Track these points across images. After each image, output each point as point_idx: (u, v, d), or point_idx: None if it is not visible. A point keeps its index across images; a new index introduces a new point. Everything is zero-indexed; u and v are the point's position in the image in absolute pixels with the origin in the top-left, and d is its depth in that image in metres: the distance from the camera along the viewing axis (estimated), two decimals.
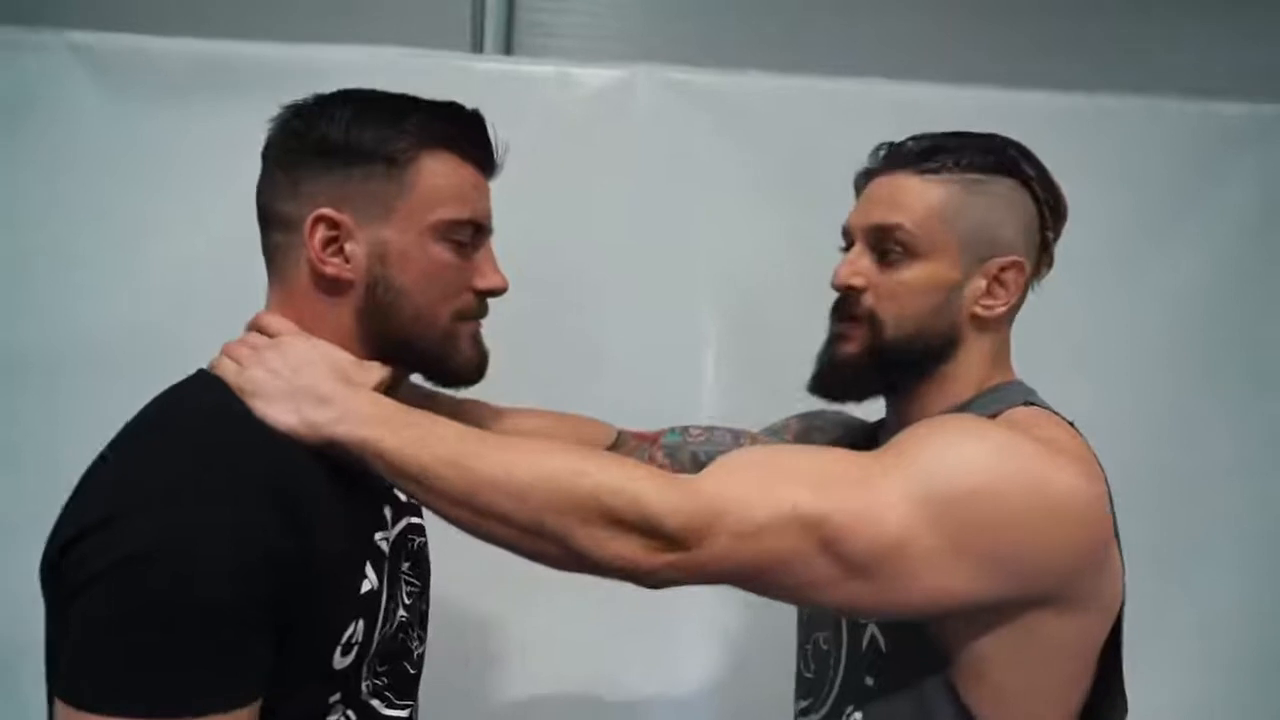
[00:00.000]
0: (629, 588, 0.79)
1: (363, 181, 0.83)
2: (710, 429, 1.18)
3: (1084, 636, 0.84)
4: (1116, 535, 0.86)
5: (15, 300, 1.52)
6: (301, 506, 0.74)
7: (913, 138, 0.95)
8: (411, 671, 0.92)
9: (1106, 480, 0.85)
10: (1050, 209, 0.95)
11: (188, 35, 1.56)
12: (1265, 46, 2.01)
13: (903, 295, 0.92)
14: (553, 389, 1.49)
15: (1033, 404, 0.91)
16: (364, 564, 0.82)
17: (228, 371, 0.81)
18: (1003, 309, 0.93)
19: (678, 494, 0.76)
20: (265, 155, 0.87)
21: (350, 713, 0.82)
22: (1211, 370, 1.69)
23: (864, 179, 0.98)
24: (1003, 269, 0.92)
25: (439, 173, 0.85)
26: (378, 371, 0.84)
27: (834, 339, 0.97)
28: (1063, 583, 0.81)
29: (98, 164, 1.52)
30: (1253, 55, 2.00)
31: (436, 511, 0.80)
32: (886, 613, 0.85)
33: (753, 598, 0.83)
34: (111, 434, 0.78)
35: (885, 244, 0.93)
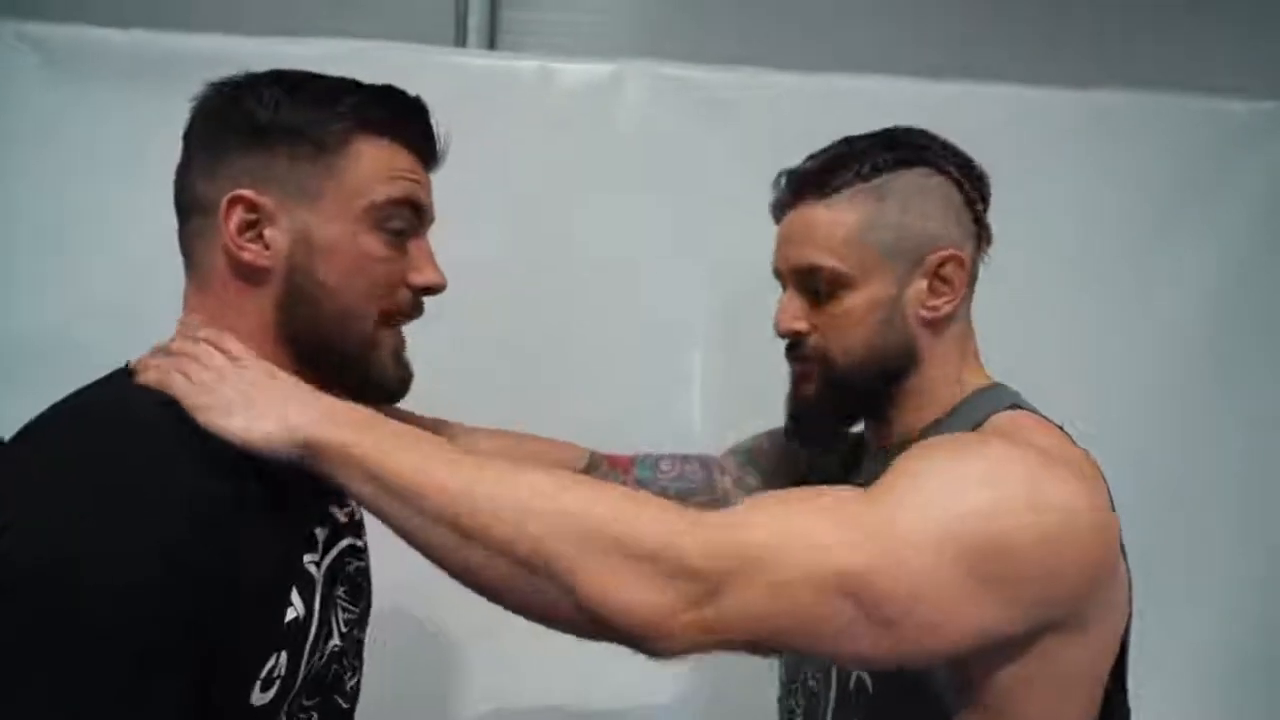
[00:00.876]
0: None
1: (289, 163, 0.75)
2: (683, 460, 1.10)
3: (1099, 655, 0.79)
4: (1121, 543, 0.80)
5: None
6: (225, 525, 0.66)
7: (810, 157, 0.91)
8: (344, 705, 0.85)
9: (1105, 482, 0.80)
10: (971, 183, 0.90)
11: (172, 29, 1.49)
12: (1270, 42, 1.96)
13: (845, 326, 0.88)
14: (535, 388, 1.48)
15: (1017, 407, 0.86)
16: (289, 590, 0.74)
17: (178, 387, 0.72)
18: (949, 306, 0.88)
19: (707, 531, 0.67)
20: (186, 137, 0.79)
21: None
22: (1222, 364, 1.64)
23: (777, 212, 0.94)
24: (940, 265, 0.88)
25: (373, 157, 0.78)
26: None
27: (794, 382, 0.94)
28: (1079, 600, 0.74)
29: (46, 153, 1.46)
30: (1258, 51, 1.94)
31: (409, 533, 0.69)
32: (907, 661, 0.74)
33: None
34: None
35: (809, 283, 0.90)
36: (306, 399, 0.72)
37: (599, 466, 1.07)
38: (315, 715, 0.79)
